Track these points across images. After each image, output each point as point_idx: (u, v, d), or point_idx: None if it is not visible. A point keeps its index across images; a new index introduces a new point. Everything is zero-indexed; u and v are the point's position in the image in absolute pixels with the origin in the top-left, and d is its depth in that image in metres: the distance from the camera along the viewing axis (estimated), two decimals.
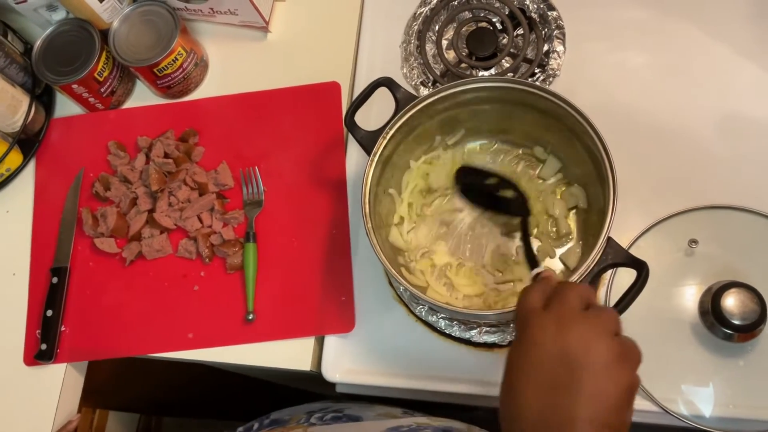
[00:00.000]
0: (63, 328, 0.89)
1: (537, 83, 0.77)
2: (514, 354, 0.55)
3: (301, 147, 0.93)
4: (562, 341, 0.52)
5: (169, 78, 0.94)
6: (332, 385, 0.86)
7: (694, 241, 0.80)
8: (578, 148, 0.78)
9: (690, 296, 0.79)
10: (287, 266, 0.88)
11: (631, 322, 0.76)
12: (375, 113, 0.82)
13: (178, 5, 0.94)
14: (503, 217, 0.83)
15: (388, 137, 0.78)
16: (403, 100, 0.79)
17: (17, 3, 0.95)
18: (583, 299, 0.55)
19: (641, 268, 0.67)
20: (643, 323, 0.77)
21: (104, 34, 0.94)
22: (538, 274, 0.64)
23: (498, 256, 0.82)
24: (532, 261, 0.69)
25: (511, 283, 0.81)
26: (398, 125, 0.78)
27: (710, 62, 0.89)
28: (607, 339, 0.52)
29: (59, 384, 0.88)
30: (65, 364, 0.89)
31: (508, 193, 0.79)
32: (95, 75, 0.92)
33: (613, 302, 0.78)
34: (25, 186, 0.98)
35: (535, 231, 0.82)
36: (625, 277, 0.69)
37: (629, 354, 0.53)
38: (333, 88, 0.95)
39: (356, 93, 0.93)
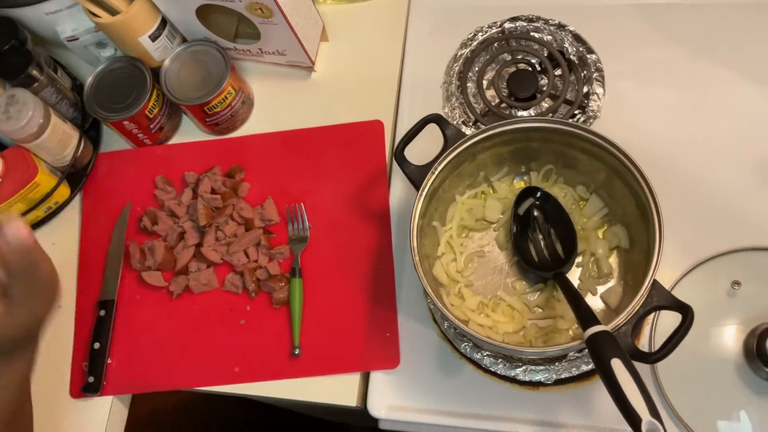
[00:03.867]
0: (110, 361, 0.90)
1: (580, 124, 0.79)
2: None
3: (346, 184, 0.95)
4: None
5: (218, 116, 0.96)
6: (375, 420, 0.87)
7: (736, 283, 0.81)
8: (621, 188, 0.79)
9: (733, 337, 0.80)
10: (332, 301, 0.89)
11: (674, 363, 0.77)
12: (418, 150, 0.84)
13: (228, 45, 0.97)
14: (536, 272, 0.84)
15: (437, 172, 0.80)
16: (452, 137, 0.81)
17: (69, 40, 0.97)
18: None
19: (686, 312, 0.67)
20: (686, 364, 0.78)
21: (154, 72, 0.96)
22: None
23: (537, 292, 0.84)
24: (586, 318, 0.69)
25: (552, 320, 0.82)
26: (447, 161, 0.80)
27: (750, 103, 0.90)
28: None
29: (105, 416, 0.89)
30: (111, 397, 0.90)
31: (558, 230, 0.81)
32: (146, 112, 0.95)
33: (657, 343, 0.79)
34: (71, 219, 1.00)
35: (578, 274, 0.83)
36: (669, 317, 0.69)
37: None
38: (376, 126, 0.97)
39: (398, 131, 0.96)
